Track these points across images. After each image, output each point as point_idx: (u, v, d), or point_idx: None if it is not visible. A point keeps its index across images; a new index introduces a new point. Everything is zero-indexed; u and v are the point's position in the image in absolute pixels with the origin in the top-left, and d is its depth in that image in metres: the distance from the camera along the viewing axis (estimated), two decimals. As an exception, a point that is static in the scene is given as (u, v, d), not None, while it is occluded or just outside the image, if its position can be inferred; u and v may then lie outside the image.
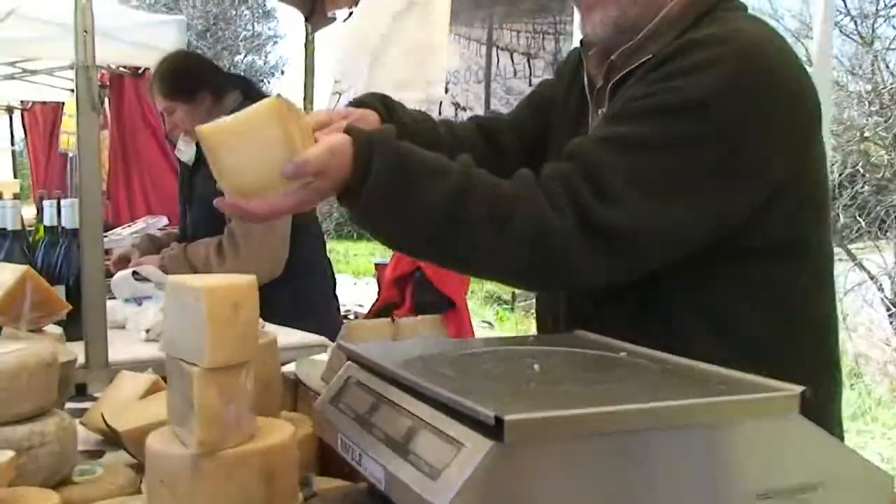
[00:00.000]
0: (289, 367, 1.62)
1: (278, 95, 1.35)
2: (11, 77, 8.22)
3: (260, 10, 27.75)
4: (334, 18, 6.16)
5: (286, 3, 6.23)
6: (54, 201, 2.72)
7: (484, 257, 1.40)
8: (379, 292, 5.88)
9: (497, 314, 10.92)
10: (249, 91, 3.40)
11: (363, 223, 1.41)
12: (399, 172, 1.34)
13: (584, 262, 1.38)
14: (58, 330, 1.74)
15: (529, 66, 3.80)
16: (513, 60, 3.94)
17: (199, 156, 3.32)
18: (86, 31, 2.23)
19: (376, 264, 6.71)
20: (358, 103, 1.71)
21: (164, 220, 5.71)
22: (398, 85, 3.26)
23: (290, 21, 27.83)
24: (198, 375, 1.09)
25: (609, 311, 1.51)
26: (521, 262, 1.39)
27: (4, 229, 2.55)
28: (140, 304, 2.83)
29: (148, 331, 2.56)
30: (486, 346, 1.13)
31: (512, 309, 10.94)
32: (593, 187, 1.36)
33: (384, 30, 2.76)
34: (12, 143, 11.89)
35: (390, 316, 5.07)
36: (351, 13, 5.40)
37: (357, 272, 13.22)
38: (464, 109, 4.21)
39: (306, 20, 6.24)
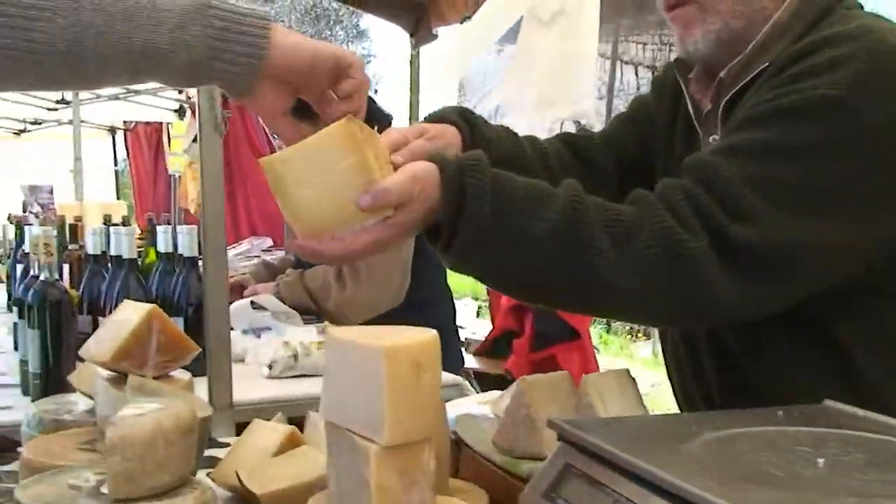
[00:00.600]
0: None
1: (349, 117, 1.16)
2: (115, 98, 8.31)
3: (354, 30, 28.00)
4: (436, 35, 6.05)
5: (389, 20, 6.16)
6: (169, 227, 2.58)
7: (604, 292, 1.21)
8: (493, 319, 5.68)
9: (600, 337, 10.60)
10: (371, 108, 3.22)
11: (457, 261, 1.21)
12: (496, 202, 1.16)
13: (723, 288, 1.20)
14: (186, 375, 1.56)
15: (654, 80, 3.58)
16: (637, 74, 3.73)
17: None
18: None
19: (489, 289, 6.50)
20: (435, 118, 1.54)
21: (269, 242, 5.64)
22: (542, 102, 3.06)
23: (384, 39, 27.99)
24: (375, 455, 0.90)
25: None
26: (649, 294, 1.20)
27: (119, 257, 2.42)
28: (259, 336, 2.68)
29: (270, 366, 2.39)
30: (731, 426, 0.90)
31: (608, 330, 10.60)
32: (723, 204, 1.20)
33: (525, 43, 2.57)
34: (115, 164, 12.07)
35: (509, 346, 4.88)
36: (467, 17, 5.24)
37: (455, 291, 13.02)
38: (585, 128, 4.00)
39: (411, 37, 6.15)
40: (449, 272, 2.05)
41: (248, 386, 2.22)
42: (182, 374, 1.56)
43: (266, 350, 2.51)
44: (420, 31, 6.05)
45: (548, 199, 1.19)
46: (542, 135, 3.92)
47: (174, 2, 1.06)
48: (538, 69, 2.84)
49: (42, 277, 2.06)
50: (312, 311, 2.98)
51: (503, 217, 1.16)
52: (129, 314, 1.54)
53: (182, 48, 1.07)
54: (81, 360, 2.00)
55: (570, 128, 4.26)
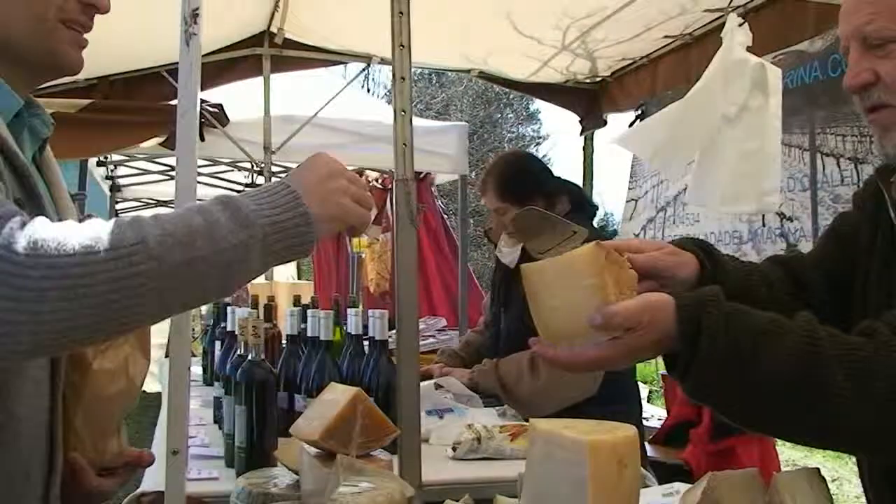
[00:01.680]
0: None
1: (597, 242, 1.27)
2: (300, 181, 8.72)
3: (524, 113, 28.41)
4: (605, 122, 6.11)
5: (559, 106, 6.26)
6: (359, 310, 2.72)
7: (840, 431, 1.22)
8: (668, 407, 5.60)
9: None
10: (576, 197, 3.30)
11: (692, 392, 1.25)
12: (731, 338, 1.20)
13: None
14: (388, 456, 1.66)
15: (858, 172, 3.51)
16: (839, 166, 3.67)
17: (524, 260, 3.21)
18: (405, 144, 2.22)
19: (664, 375, 6.42)
20: (674, 244, 1.60)
21: (443, 322, 5.76)
22: (727, 196, 3.06)
23: (555, 122, 28.29)
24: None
25: None
26: (886, 434, 1.20)
27: (316, 338, 2.58)
28: (441, 417, 2.77)
29: (455, 448, 2.47)
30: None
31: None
32: None
33: (704, 136, 2.61)
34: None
35: (685, 434, 4.80)
36: (639, 114, 5.29)
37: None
38: (790, 220, 3.96)
39: (581, 121, 6.23)
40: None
41: (435, 467, 2.30)
42: (384, 455, 1.66)
43: (450, 431, 2.59)
44: (590, 117, 6.14)
45: (783, 334, 1.21)
46: (728, 227, 3.90)
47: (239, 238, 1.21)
48: (722, 163, 2.85)
49: (249, 357, 2.23)
50: (501, 398, 3.02)
51: (738, 354, 1.20)
52: (336, 396, 1.66)
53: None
54: (281, 435, 2.15)
55: (758, 221, 4.22)
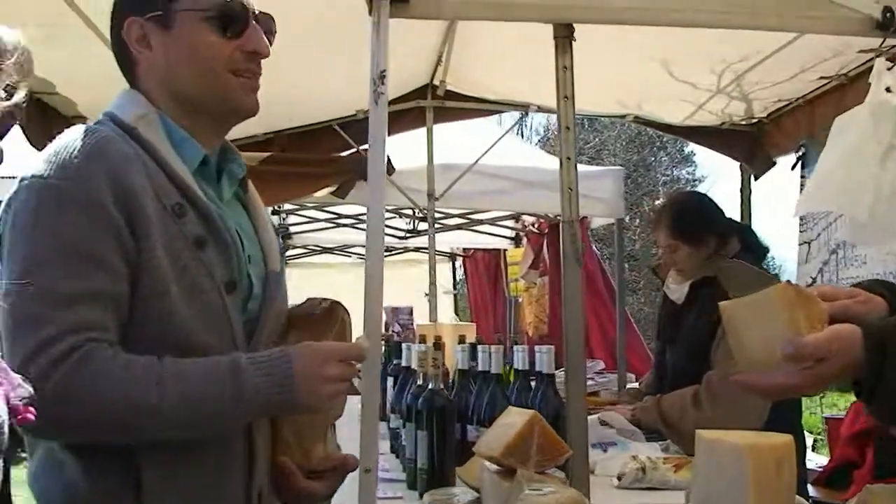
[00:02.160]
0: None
1: (787, 282, 1.40)
2: (459, 227, 8.98)
3: (678, 155, 28.12)
4: (774, 163, 6.05)
5: (716, 150, 6.27)
6: (526, 347, 2.88)
7: None
8: (831, 449, 5.51)
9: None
10: (747, 238, 3.37)
11: (876, 416, 1.35)
12: None
13: None
14: (560, 474, 1.81)
15: None
16: None
17: (689, 297, 3.32)
18: (570, 189, 2.37)
19: (827, 419, 6.31)
20: (861, 287, 1.65)
21: (601, 364, 5.83)
22: (885, 234, 3.08)
23: (711, 164, 27.84)
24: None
25: None
26: None
27: (487, 372, 2.75)
28: (605, 450, 2.88)
29: (619, 478, 2.59)
30: None
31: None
32: None
33: (872, 171, 2.65)
34: (454, 287, 12.92)
35: (848, 476, 4.72)
36: (800, 155, 5.27)
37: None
38: None
39: (744, 165, 6.22)
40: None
41: (601, 495, 2.43)
42: (558, 473, 1.81)
43: (614, 462, 2.71)
44: (756, 160, 6.09)
45: None
46: (892, 268, 3.82)
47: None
48: (877, 202, 2.87)
49: (429, 387, 2.42)
50: (664, 433, 3.10)
51: None
52: (514, 418, 1.82)
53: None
54: (458, 458, 2.33)
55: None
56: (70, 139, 1.55)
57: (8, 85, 1.11)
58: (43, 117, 4.07)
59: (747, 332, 1.38)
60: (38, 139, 3.97)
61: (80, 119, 4.19)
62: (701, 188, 28.11)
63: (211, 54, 1.64)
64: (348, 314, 1.79)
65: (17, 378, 1.14)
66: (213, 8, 1.63)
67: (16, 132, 3.99)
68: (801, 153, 5.34)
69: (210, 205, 1.62)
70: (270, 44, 1.73)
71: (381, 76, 2.15)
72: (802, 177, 5.25)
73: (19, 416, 1.09)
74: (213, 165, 1.74)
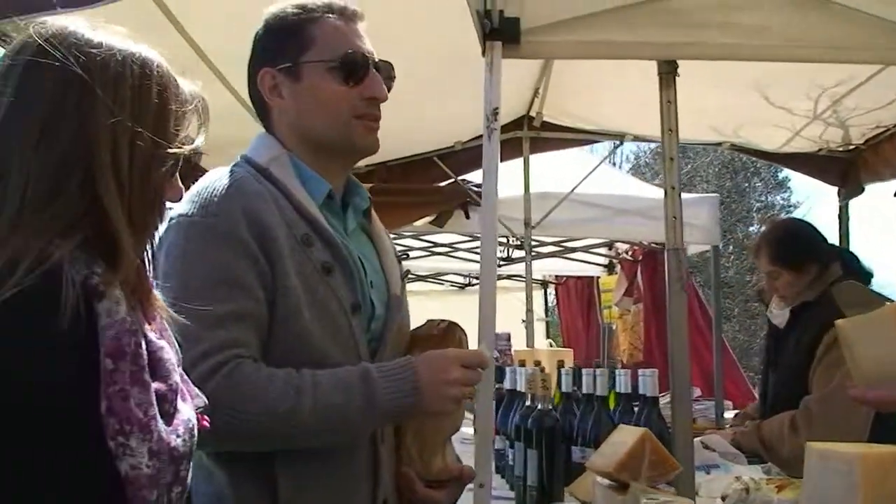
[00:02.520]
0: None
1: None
2: (553, 255, 9.05)
3: (773, 181, 27.70)
4: (863, 189, 6.00)
5: (810, 175, 6.24)
6: (628, 371, 2.96)
7: None
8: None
9: None
10: (849, 263, 3.39)
11: None
12: None
13: None
14: (671, 489, 1.90)
15: None
16: None
17: (790, 322, 3.36)
18: (675, 217, 2.47)
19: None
20: None
21: (697, 392, 5.82)
22: None
23: (805, 190, 27.37)
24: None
25: None
26: None
27: (591, 394, 2.84)
28: (708, 473, 2.94)
29: (723, 498, 2.64)
30: None
31: None
32: None
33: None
34: (546, 314, 12.99)
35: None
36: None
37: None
38: None
39: (839, 190, 6.17)
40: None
41: (706, 514, 2.50)
42: (668, 488, 1.90)
43: (717, 484, 2.76)
44: (849, 184, 6.06)
45: None
46: None
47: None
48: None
49: (538, 407, 2.53)
50: (764, 458, 3.14)
51: None
52: (626, 436, 1.92)
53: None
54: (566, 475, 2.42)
55: None
56: (210, 181, 1.74)
57: (188, 133, 1.27)
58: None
59: (862, 348, 1.47)
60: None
61: (198, 155, 4.41)
62: (796, 214, 27.61)
63: (336, 102, 1.81)
64: (465, 334, 1.92)
65: (195, 388, 1.29)
66: (337, 60, 1.79)
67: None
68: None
69: (335, 234, 1.78)
70: (389, 89, 1.88)
71: (493, 113, 2.29)
72: (906, 203, 5.20)
73: (198, 424, 1.24)
74: (338, 199, 1.90)
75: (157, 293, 1.28)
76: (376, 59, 1.85)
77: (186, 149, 1.27)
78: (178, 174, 1.30)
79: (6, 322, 1.05)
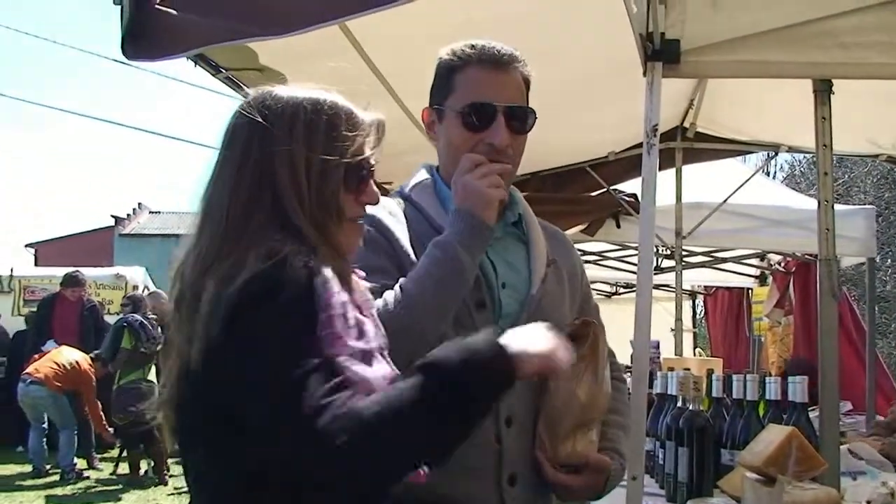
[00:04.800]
0: None
1: None
2: (703, 265, 9.03)
3: (937, 193, 26.48)
4: None
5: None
6: (778, 378, 3.05)
7: None
8: None
9: None
10: None
11: None
12: None
13: None
14: (815, 485, 2.02)
15: None
16: None
17: None
18: (828, 230, 2.56)
19: None
20: None
21: (848, 406, 5.77)
22: None
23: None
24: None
25: None
26: None
27: (741, 399, 2.95)
28: (855, 479, 3.00)
29: (869, 502, 2.71)
30: None
31: None
32: None
33: None
34: (693, 325, 12.92)
35: None
36: None
37: None
38: None
39: None
40: None
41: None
42: (812, 485, 2.02)
43: (863, 490, 2.82)
44: None
45: None
46: None
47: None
48: None
49: (690, 408, 2.67)
50: None
51: None
52: (775, 434, 2.05)
53: None
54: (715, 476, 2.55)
55: None
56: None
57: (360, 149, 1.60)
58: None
59: None
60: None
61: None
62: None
63: (457, 145, 2.00)
64: (602, 330, 2.04)
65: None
66: (465, 107, 1.98)
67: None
68: None
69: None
70: (529, 129, 2.03)
71: (653, 130, 2.44)
72: None
73: None
74: None
75: (357, 279, 1.63)
76: (510, 106, 1.99)
77: (355, 160, 1.59)
78: (371, 181, 1.65)
79: (258, 289, 1.40)
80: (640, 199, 5.76)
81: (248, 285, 1.39)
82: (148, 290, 12.48)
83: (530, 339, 1.55)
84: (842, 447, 3.16)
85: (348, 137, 1.58)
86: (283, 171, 1.53)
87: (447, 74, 2.02)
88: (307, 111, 1.58)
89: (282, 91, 1.62)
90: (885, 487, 2.71)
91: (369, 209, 1.83)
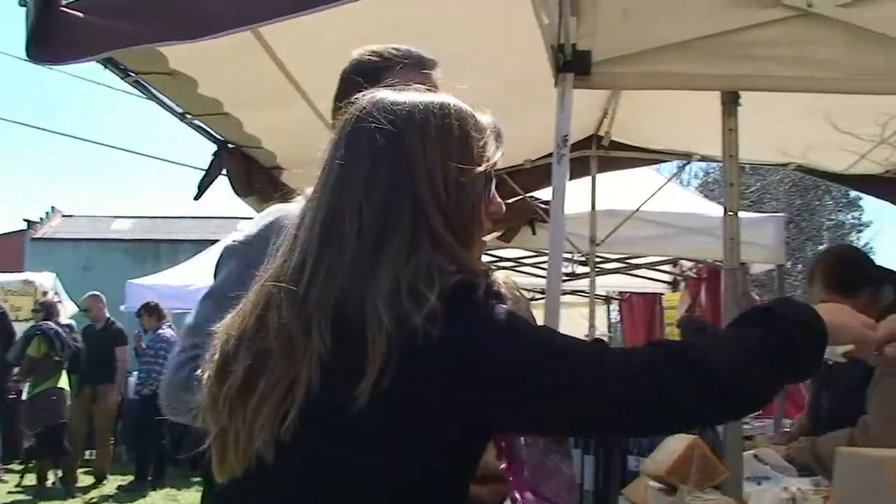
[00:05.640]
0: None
1: None
2: (617, 271, 9.16)
3: (844, 200, 27.35)
4: (932, 211, 6.01)
5: (877, 197, 6.26)
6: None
7: None
8: None
9: None
10: None
11: None
12: None
13: None
14: (717, 493, 2.05)
15: None
16: None
17: None
18: (732, 239, 2.61)
19: None
20: None
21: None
22: None
23: (877, 208, 26.97)
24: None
25: None
26: None
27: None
28: (759, 483, 3.06)
29: (771, 508, 2.77)
30: None
31: None
32: None
33: None
34: (608, 330, 13.09)
35: None
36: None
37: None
38: None
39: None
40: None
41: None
42: (712, 494, 2.05)
43: (767, 495, 2.88)
44: (917, 207, 6.07)
45: None
46: None
47: None
48: None
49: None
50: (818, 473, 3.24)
51: None
52: (678, 443, 2.08)
53: None
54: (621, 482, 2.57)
55: None
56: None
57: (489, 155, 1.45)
58: (246, 167, 4.53)
59: None
60: (242, 187, 4.45)
61: (279, 170, 4.64)
62: (866, 233, 27.24)
63: None
64: None
65: None
66: None
67: (220, 180, 4.47)
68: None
69: None
70: None
71: (563, 140, 2.46)
72: None
73: None
74: None
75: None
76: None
77: (488, 166, 1.43)
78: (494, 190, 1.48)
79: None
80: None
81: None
82: (58, 295, 12.19)
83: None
84: (747, 453, 3.22)
85: (479, 143, 1.44)
86: (422, 179, 1.37)
87: (373, 74, 1.94)
88: (436, 114, 1.42)
89: (399, 95, 1.45)
90: (787, 493, 2.77)
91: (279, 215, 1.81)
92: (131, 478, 9.74)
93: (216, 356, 1.41)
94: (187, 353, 1.85)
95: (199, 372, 1.49)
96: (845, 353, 1.65)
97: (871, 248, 26.99)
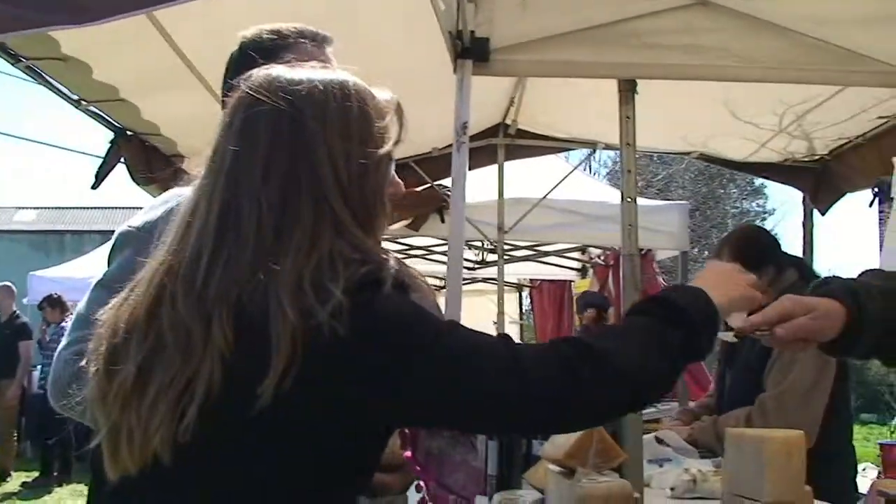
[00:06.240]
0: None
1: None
2: (526, 259, 9.24)
3: (748, 188, 28.07)
4: (842, 195, 6.14)
5: (781, 182, 6.43)
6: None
7: None
8: (885, 472, 5.62)
9: None
10: (805, 271, 3.57)
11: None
12: None
13: None
14: (615, 475, 2.07)
15: None
16: None
17: None
18: (630, 226, 2.65)
19: (881, 444, 6.42)
20: (824, 292, 1.72)
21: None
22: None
23: (780, 197, 27.73)
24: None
25: None
26: None
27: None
28: (661, 466, 3.12)
29: (673, 489, 2.82)
30: None
31: None
32: None
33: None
34: (521, 317, 13.21)
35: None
36: (877, 193, 5.39)
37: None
38: None
39: (806, 199, 6.38)
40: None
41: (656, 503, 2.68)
42: (613, 475, 2.07)
43: (668, 476, 2.94)
44: (821, 194, 6.18)
45: None
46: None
47: None
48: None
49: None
50: (718, 452, 3.32)
51: None
52: (576, 426, 2.09)
53: None
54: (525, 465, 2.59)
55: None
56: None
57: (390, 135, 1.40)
58: (145, 155, 4.44)
59: None
60: (140, 175, 4.35)
61: (179, 158, 4.54)
62: (770, 220, 28.00)
63: None
64: None
65: None
66: None
67: (120, 169, 4.36)
68: (876, 191, 5.45)
69: None
70: None
71: (463, 127, 2.46)
72: (881, 211, 5.38)
73: None
74: None
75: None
76: None
77: (389, 147, 1.39)
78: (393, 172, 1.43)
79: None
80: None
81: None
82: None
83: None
84: (648, 436, 3.28)
85: (381, 123, 1.37)
86: (323, 163, 1.31)
87: (273, 52, 1.91)
88: (336, 94, 1.35)
89: (296, 73, 1.38)
90: (688, 474, 2.82)
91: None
92: (36, 474, 9.50)
93: (103, 348, 1.35)
94: (77, 347, 1.79)
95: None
96: (737, 331, 1.68)
97: (776, 234, 27.60)
